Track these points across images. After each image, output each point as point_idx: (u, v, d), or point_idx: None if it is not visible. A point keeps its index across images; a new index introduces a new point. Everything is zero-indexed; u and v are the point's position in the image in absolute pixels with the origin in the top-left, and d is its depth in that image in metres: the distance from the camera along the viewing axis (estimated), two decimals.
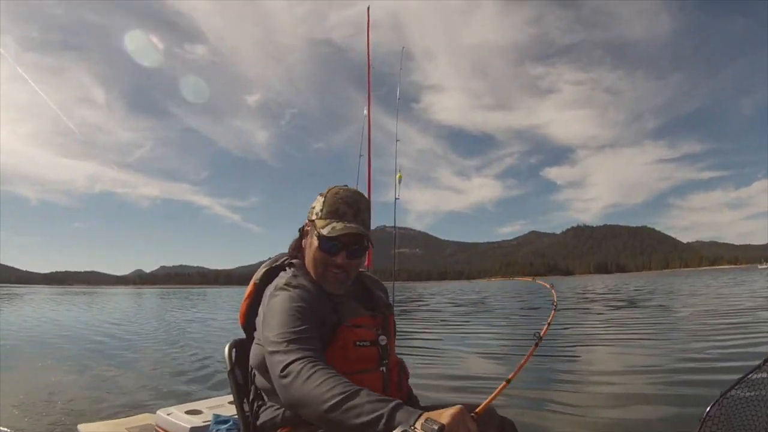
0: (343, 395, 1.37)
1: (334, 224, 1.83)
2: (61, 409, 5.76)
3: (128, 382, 7.55)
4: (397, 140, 5.60)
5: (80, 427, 3.57)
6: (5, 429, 4.86)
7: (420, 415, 1.29)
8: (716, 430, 1.90)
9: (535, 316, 18.02)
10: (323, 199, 1.91)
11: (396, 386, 1.91)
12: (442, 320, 18.10)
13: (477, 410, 1.51)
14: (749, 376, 1.95)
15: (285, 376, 1.49)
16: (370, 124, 5.09)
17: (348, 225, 1.83)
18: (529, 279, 3.65)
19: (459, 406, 1.34)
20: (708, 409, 1.91)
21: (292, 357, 1.51)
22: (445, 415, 1.29)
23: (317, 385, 1.41)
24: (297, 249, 2.03)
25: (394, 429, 1.27)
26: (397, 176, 5.24)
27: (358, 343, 1.80)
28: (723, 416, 1.92)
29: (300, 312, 1.68)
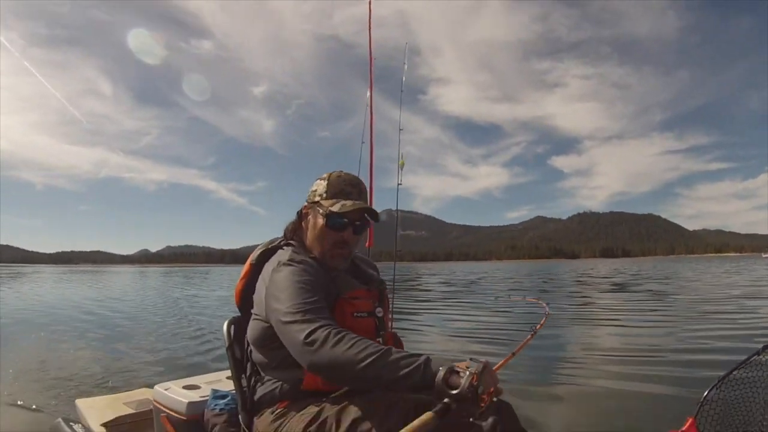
0: (377, 354, 1.47)
1: (344, 202, 1.92)
2: (59, 384, 5.81)
3: (126, 357, 7.62)
4: (400, 129, 5.60)
5: (78, 402, 3.58)
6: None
7: (451, 365, 1.43)
8: (714, 414, 1.90)
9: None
10: (326, 182, 2.00)
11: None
12: (428, 300, 18.31)
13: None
14: (748, 361, 1.94)
15: (311, 343, 1.54)
16: (372, 110, 5.05)
17: (356, 202, 1.94)
18: (519, 299, 3.67)
19: (485, 359, 1.46)
20: (706, 392, 1.92)
21: (314, 325, 1.58)
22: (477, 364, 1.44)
23: (348, 348, 1.49)
24: (294, 231, 2.09)
25: (435, 375, 1.41)
26: (400, 162, 5.25)
27: (355, 314, 1.87)
28: (721, 400, 1.92)
29: (309, 284, 1.75)
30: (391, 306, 2.21)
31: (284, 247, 2.03)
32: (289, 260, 1.85)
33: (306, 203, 2.04)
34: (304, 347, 1.56)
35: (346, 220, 1.93)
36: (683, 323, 10.12)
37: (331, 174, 2.02)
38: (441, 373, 1.40)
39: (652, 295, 17.90)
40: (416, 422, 1.34)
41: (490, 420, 1.53)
